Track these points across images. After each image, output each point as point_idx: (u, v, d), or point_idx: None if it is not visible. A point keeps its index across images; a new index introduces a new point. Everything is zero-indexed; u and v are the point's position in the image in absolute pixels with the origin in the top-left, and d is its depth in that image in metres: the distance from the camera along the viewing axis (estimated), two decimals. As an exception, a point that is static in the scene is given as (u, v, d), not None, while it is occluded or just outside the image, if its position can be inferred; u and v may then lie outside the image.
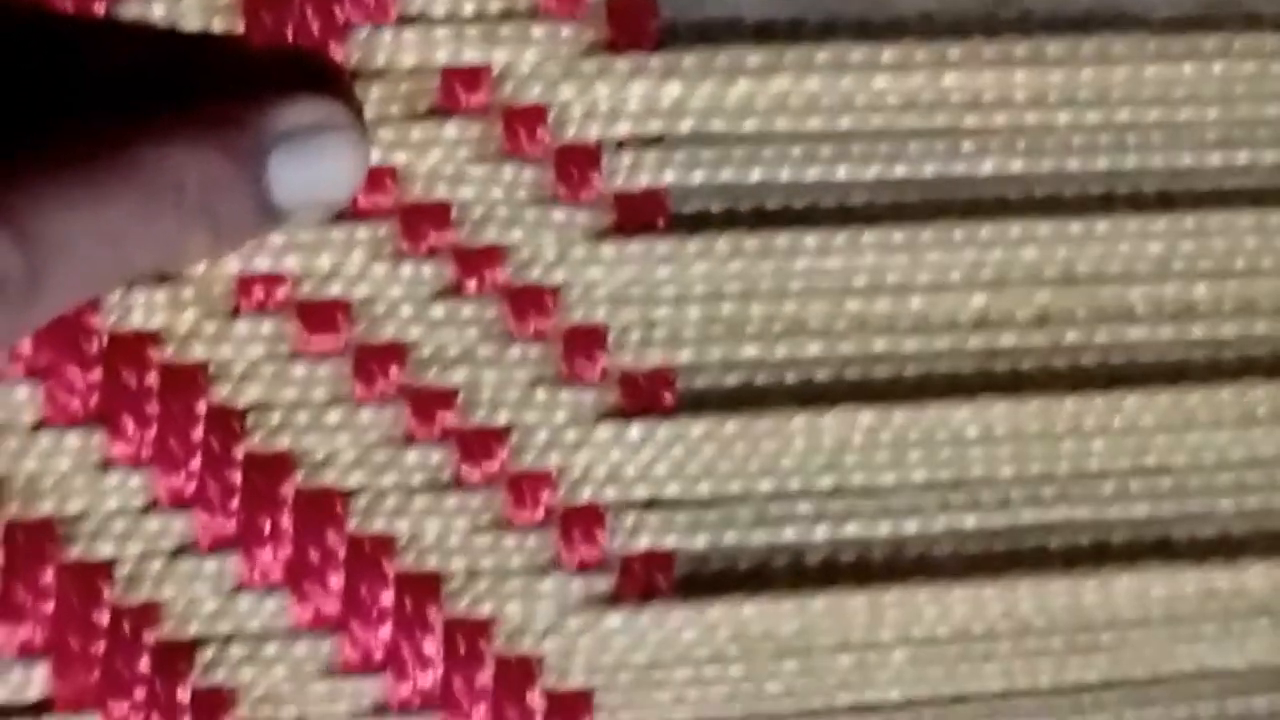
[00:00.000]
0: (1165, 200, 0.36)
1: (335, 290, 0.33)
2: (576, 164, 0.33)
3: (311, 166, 0.29)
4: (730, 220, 0.34)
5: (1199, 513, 0.36)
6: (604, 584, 0.34)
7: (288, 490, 0.33)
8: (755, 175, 0.34)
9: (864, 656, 0.35)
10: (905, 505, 0.35)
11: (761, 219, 0.34)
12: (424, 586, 0.33)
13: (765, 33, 0.34)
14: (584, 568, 0.34)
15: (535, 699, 0.34)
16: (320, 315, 0.33)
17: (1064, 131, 0.35)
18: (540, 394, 0.34)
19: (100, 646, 0.32)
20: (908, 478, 0.35)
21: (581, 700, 0.34)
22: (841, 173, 0.34)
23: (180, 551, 0.32)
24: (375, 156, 0.33)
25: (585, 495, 0.34)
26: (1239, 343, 0.36)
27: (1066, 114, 0.35)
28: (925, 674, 0.35)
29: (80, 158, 0.27)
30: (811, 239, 0.34)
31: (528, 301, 0.33)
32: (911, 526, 0.35)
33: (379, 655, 0.33)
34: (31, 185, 0.27)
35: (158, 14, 0.32)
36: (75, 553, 0.32)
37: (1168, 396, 0.35)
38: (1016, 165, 0.35)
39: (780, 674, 0.35)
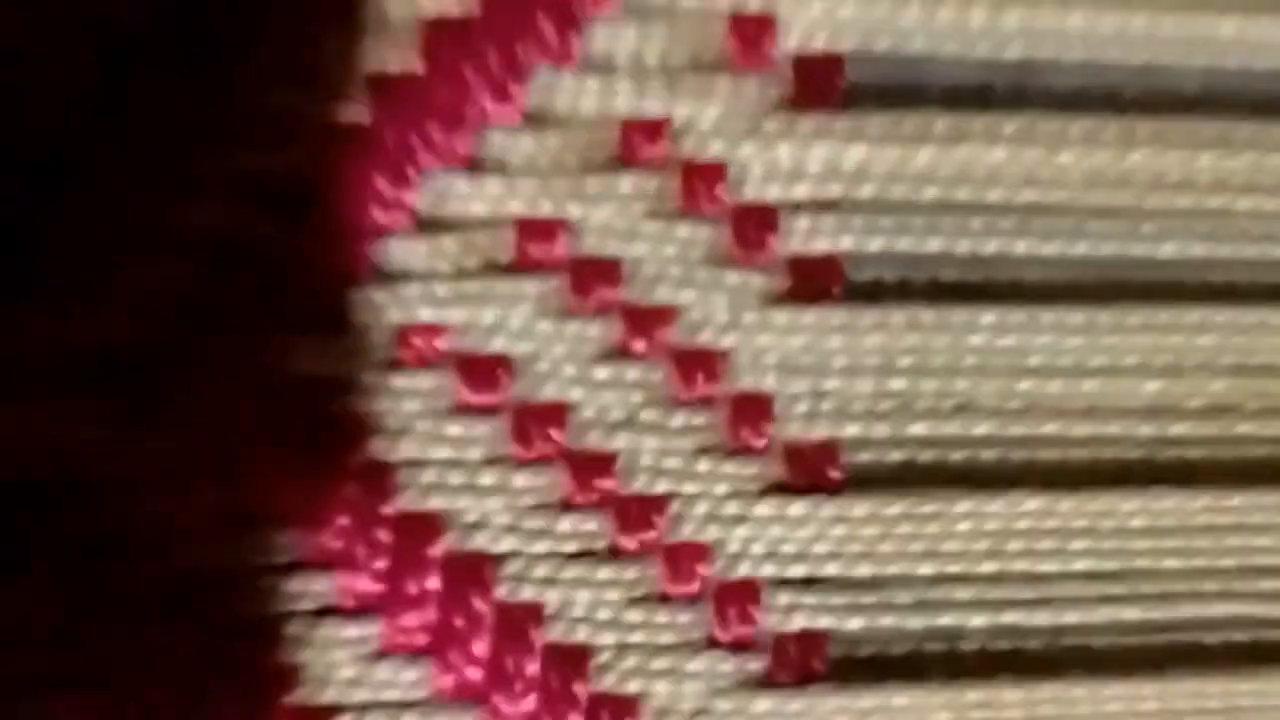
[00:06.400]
0: (1344, 293, 0.35)
1: (498, 345, 0.31)
2: (753, 225, 0.32)
3: None
4: (905, 290, 0.33)
5: (1362, 614, 0.35)
6: (756, 664, 0.32)
7: (436, 552, 0.31)
8: (933, 245, 0.33)
9: (1016, 750, 0.34)
10: (1066, 595, 0.34)
11: (937, 291, 0.33)
12: (571, 659, 0.32)
13: (951, 99, 0.33)
14: (737, 646, 0.32)
15: (679, 782, 0.32)
16: (480, 371, 0.31)
17: (1245, 217, 0.34)
18: (703, 464, 0.32)
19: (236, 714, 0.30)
20: (1070, 566, 0.33)
21: (728, 786, 0.32)
22: (1021, 247, 0.33)
23: (321, 613, 0.31)
24: (548, 208, 0.31)
25: (742, 570, 0.32)
26: None
27: (1248, 200, 0.34)
28: (1076, 769, 0.34)
29: None
30: (989, 316, 0.33)
31: (695, 365, 0.32)
32: (1071, 617, 0.33)
33: (520, 730, 0.31)
34: None
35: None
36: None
37: (1338, 494, 0.34)
38: (1197, 250, 0.34)
39: (930, 765, 0.33)
